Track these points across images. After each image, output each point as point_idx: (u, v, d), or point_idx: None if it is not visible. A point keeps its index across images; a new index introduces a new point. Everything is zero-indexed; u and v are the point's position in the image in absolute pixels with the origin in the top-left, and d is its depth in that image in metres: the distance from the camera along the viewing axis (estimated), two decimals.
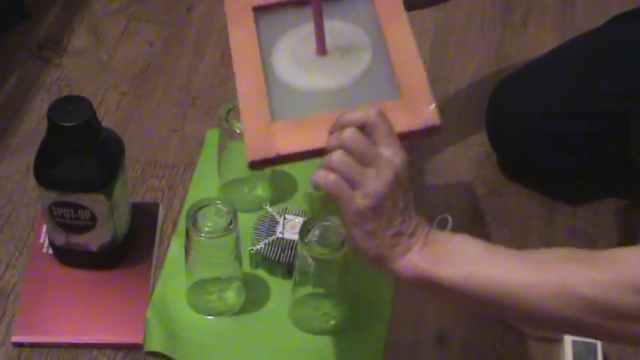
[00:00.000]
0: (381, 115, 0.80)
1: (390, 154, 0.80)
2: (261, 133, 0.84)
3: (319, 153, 0.83)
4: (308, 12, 0.88)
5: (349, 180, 0.79)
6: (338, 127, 0.80)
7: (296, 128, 0.84)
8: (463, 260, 0.79)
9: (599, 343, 1.01)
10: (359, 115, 0.80)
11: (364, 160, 0.79)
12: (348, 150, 0.79)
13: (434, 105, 0.83)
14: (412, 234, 0.81)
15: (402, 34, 0.89)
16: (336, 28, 0.91)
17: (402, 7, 0.91)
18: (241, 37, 0.93)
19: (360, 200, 0.79)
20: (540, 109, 1.15)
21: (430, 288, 0.80)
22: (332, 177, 0.79)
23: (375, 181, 0.79)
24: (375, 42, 0.90)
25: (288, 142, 0.83)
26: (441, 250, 0.80)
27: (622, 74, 1.15)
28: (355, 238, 0.80)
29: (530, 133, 1.17)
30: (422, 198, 1.18)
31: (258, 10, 0.94)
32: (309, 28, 0.89)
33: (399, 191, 0.80)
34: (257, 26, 0.94)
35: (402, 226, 0.80)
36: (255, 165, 0.84)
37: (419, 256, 0.80)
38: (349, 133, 0.79)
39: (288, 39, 0.92)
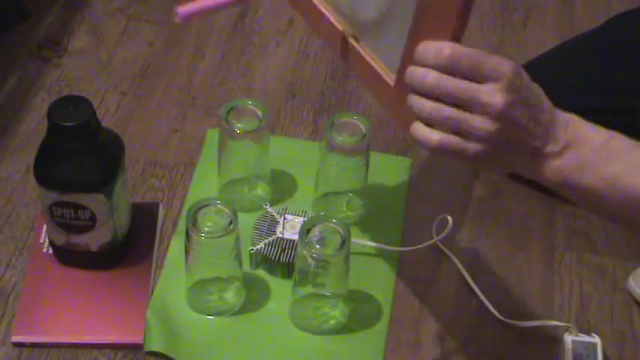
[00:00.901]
0: (454, 48, 0.75)
1: (491, 85, 0.74)
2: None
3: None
4: None
5: (456, 131, 0.75)
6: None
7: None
8: (610, 164, 0.76)
9: (599, 343, 1.01)
10: (432, 57, 0.75)
11: (463, 102, 0.74)
12: (438, 96, 0.74)
13: None
14: (548, 140, 0.76)
15: None
16: None
17: None
18: None
19: (475, 147, 0.75)
20: None
21: (577, 194, 0.78)
22: (435, 137, 0.76)
23: (483, 124, 0.74)
24: None
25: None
26: (586, 153, 0.77)
27: (622, 73, 1.15)
28: (487, 168, 0.78)
29: None
30: (422, 198, 1.18)
31: None
32: None
33: (516, 112, 0.75)
34: None
35: (535, 141, 0.76)
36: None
37: (563, 162, 0.77)
38: (433, 83, 0.74)
39: None
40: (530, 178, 0.81)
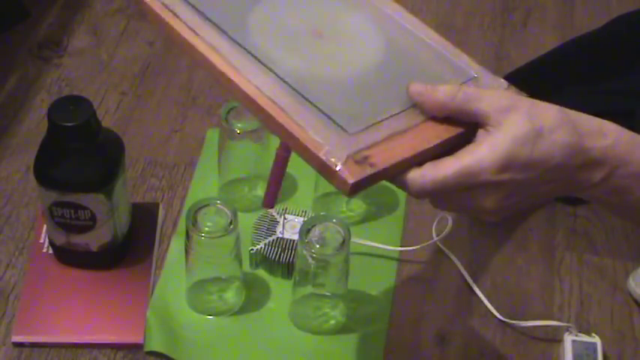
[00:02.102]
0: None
1: (477, 195, 0.69)
2: (348, 160, 0.67)
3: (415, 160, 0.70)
4: None
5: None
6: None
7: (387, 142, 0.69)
8: None
9: (599, 343, 1.01)
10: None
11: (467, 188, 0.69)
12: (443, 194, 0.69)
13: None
14: (577, 182, 0.70)
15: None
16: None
17: None
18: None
19: (490, 217, 0.71)
20: None
21: (617, 211, 0.75)
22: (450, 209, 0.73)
23: (490, 218, 0.70)
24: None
25: (384, 157, 0.68)
26: (628, 181, 0.70)
27: (623, 74, 1.15)
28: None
29: None
30: None
31: None
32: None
33: (514, 195, 0.69)
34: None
35: (557, 191, 0.70)
36: (356, 188, 0.67)
37: (602, 190, 0.71)
38: (434, 190, 0.68)
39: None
40: None
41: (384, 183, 1.19)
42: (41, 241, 1.09)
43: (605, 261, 1.13)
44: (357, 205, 1.14)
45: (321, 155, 0.68)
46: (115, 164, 1.00)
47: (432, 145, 0.69)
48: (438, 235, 1.10)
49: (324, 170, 0.68)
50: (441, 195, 0.69)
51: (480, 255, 1.12)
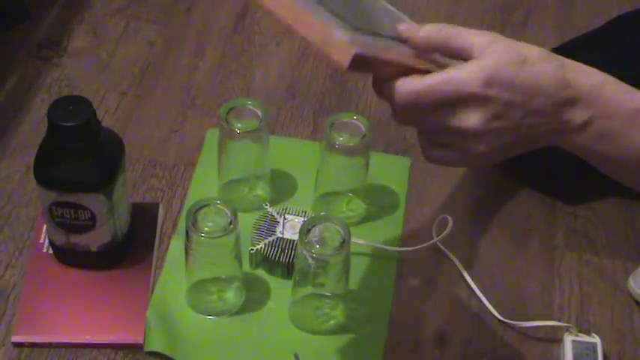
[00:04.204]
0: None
1: (460, 111, 0.69)
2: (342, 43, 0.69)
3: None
4: None
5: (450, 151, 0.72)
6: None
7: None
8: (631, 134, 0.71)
9: (599, 343, 1.01)
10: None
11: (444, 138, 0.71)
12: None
13: None
14: (561, 121, 0.71)
15: None
16: None
17: None
18: None
19: (488, 160, 0.72)
20: None
21: (603, 163, 0.75)
22: (435, 155, 0.74)
23: (476, 148, 0.71)
24: None
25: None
26: (615, 125, 0.72)
27: (623, 74, 1.15)
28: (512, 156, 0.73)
29: None
30: (422, 198, 1.18)
31: None
32: None
33: (499, 121, 0.70)
34: None
35: (542, 127, 0.71)
36: (354, 65, 0.69)
37: (588, 136, 0.72)
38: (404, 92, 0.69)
39: None
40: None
41: (384, 183, 1.20)
42: (41, 241, 1.09)
43: (605, 261, 1.13)
44: (357, 205, 1.14)
45: (330, 30, 0.69)
46: (115, 164, 1.00)
47: (419, 67, 0.71)
48: (438, 235, 1.10)
49: (327, 43, 0.69)
50: (426, 107, 0.69)
51: (480, 255, 1.12)
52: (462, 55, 0.71)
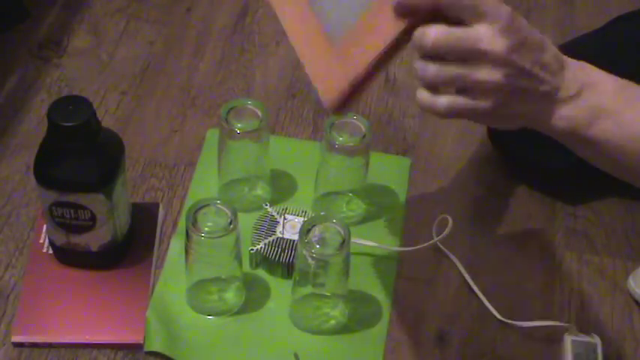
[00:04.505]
0: None
1: (487, 27, 0.71)
2: (326, 64, 0.77)
3: (399, 44, 0.74)
4: None
5: (460, 89, 0.73)
6: (403, 12, 0.72)
7: (357, 35, 0.75)
8: (628, 110, 0.75)
9: (599, 343, 1.01)
10: None
11: (464, 55, 0.72)
12: (439, 53, 0.72)
13: None
14: (558, 85, 0.75)
15: None
16: None
17: None
18: None
19: (484, 103, 0.73)
20: None
21: (590, 144, 0.77)
22: (443, 101, 0.73)
23: (489, 74, 0.72)
24: None
25: (359, 56, 0.74)
26: (601, 99, 0.75)
27: (624, 74, 1.15)
28: (498, 124, 0.76)
29: (530, 132, 1.16)
30: (422, 198, 1.18)
31: None
32: None
33: (519, 55, 0.72)
34: None
35: (544, 85, 0.74)
36: (337, 108, 0.76)
37: (577, 108, 0.75)
38: (432, 36, 0.71)
39: None
40: (542, 131, 0.79)
41: (384, 183, 1.20)
42: (41, 241, 1.09)
43: (605, 261, 1.13)
44: (357, 205, 1.14)
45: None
46: (115, 164, 1.00)
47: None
48: (438, 235, 1.10)
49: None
50: (447, 49, 0.72)
51: (480, 255, 1.12)
52: (466, 15, 0.72)
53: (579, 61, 0.77)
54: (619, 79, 0.77)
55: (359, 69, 0.74)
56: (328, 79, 0.77)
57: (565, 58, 0.76)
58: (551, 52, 0.75)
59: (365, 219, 1.14)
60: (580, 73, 0.76)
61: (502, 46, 0.71)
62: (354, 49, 0.75)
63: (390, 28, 0.73)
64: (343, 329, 1.04)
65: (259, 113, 1.07)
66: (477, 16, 0.71)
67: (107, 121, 1.23)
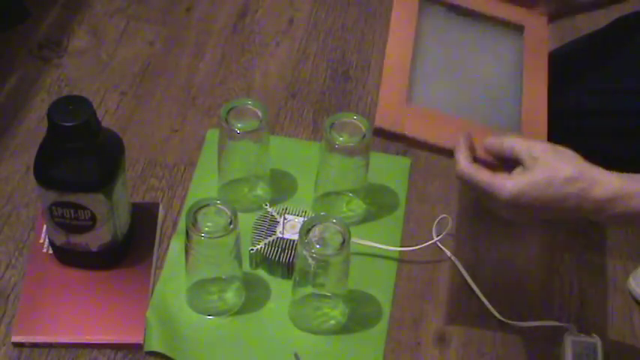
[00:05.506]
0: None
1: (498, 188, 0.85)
2: (395, 106, 0.90)
3: (441, 151, 0.89)
4: (472, 25, 0.99)
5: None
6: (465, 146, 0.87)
7: (426, 119, 0.90)
8: None
9: (599, 343, 1.01)
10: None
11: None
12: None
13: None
14: (583, 214, 0.84)
15: (538, 72, 0.97)
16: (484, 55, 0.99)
17: (546, 48, 1.00)
18: (403, 17, 0.97)
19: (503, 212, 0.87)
20: None
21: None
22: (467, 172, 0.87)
23: (499, 210, 0.86)
24: (514, 74, 0.98)
25: (415, 128, 0.89)
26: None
27: (624, 74, 1.15)
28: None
29: None
30: (422, 198, 1.18)
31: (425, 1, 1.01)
32: (468, 42, 0.99)
33: (522, 210, 0.85)
34: (420, 13, 0.98)
35: (565, 214, 0.85)
36: (379, 132, 0.90)
37: (608, 220, 0.85)
38: (458, 167, 0.86)
39: (445, 38, 0.99)
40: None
41: (384, 183, 1.20)
42: (41, 241, 1.09)
43: (605, 261, 1.13)
44: (357, 205, 1.14)
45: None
46: (115, 164, 1.00)
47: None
48: (438, 235, 1.10)
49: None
50: (469, 185, 0.87)
51: (480, 255, 1.12)
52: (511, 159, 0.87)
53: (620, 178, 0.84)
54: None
55: (409, 131, 0.89)
56: (393, 110, 0.90)
57: (593, 190, 0.83)
58: (573, 195, 0.83)
59: (365, 219, 1.14)
60: (617, 200, 0.83)
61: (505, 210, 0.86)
62: (422, 119, 0.90)
63: (451, 137, 0.87)
64: (343, 329, 1.04)
65: (259, 113, 1.07)
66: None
67: (107, 121, 1.23)
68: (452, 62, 0.97)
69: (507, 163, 0.87)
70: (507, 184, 0.83)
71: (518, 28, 1.00)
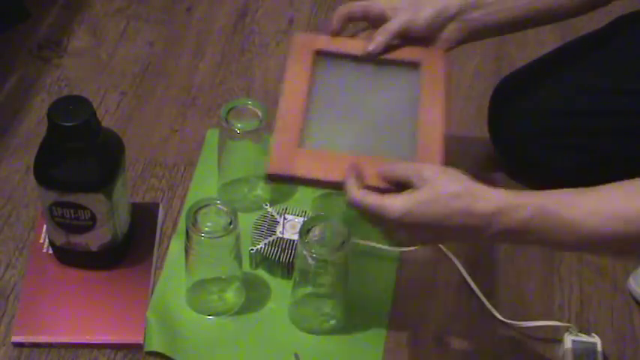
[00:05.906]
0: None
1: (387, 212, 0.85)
2: (286, 152, 0.92)
3: (333, 186, 0.90)
4: (366, 69, 1.00)
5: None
6: (353, 177, 0.88)
7: (317, 159, 0.91)
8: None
9: (599, 343, 1.01)
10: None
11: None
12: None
13: None
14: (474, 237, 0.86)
15: (435, 103, 0.97)
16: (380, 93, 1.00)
17: (442, 81, 1.00)
18: (297, 69, 1.00)
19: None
20: (542, 107, 1.15)
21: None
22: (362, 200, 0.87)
23: (392, 230, 0.87)
24: (410, 108, 0.98)
25: (306, 168, 0.91)
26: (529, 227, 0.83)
27: (624, 74, 1.15)
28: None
29: (531, 132, 1.17)
30: None
31: (320, 53, 1.02)
32: (363, 85, 1.00)
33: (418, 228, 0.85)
34: (315, 66, 1.00)
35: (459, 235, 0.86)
36: (272, 178, 0.92)
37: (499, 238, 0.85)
38: (348, 197, 0.87)
39: (339, 84, 1.00)
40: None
41: None
42: (41, 241, 1.09)
43: (605, 261, 1.13)
44: None
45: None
46: (115, 164, 1.00)
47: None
48: None
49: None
50: (361, 210, 0.87)
51: (480, 255, 1.12)
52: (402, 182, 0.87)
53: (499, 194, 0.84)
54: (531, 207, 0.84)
55: (300, 172, 0.90)
56: (284, 154, 0.91)
57: (476, 207, 0.83)
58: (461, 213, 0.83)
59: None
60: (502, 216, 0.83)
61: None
62: (313, 160, 0.91)
63: (343, 172, 0.88)
64: (343, 329, 1.04)
65: (259, 113, 1.07)
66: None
67: (107, 121, 1.23)
68: (347, 104, 0.99)
69: (400, 187, 0.87)
70: (396, 203, 0.84)
71: (414, 65, 1.02)
